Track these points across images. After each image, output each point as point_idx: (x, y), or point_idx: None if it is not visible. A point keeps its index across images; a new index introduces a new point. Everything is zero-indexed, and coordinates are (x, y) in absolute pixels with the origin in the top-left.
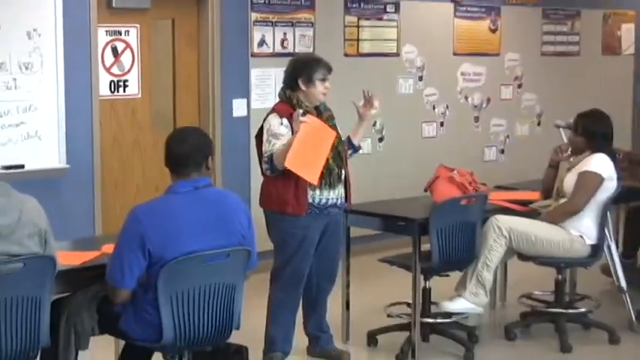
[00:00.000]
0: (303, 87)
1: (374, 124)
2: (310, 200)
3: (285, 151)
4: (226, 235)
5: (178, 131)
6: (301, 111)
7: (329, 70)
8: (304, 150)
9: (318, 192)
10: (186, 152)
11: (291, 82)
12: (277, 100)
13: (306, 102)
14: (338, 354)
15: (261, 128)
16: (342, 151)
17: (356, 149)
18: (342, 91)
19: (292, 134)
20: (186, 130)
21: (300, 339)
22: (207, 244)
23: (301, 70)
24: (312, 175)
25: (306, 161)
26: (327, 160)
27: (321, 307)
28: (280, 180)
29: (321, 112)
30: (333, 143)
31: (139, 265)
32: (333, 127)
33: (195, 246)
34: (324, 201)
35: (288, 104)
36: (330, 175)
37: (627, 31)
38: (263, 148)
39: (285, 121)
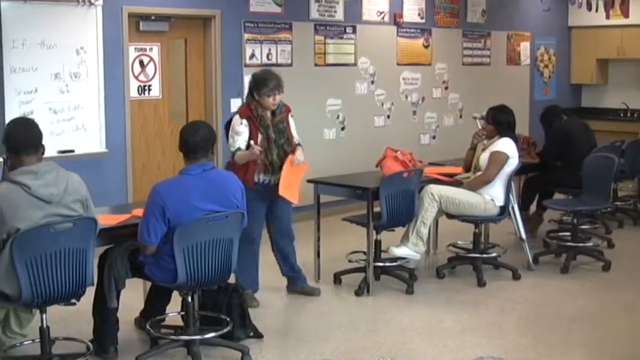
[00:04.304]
0: (257, 97)
1: (337, 117)
2: (256, 180)
3: (243, 156)
4: (224, 204)
5: (191, 125)
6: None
7: (277, 86)
8: (287, 180)
9: (262, 175)
10: (197, 142)
11: (250, 93)
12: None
13: (261, 108)
14: (310, 290)
15: (229, 122)
16: (287, 149)
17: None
18: (314, 92)
19: (250, 132)
20: (197, 124)
21: (282, 280)
22: (210, 211)
23: (254, 86)
24: (293, 197)
25: (289, 187)
26: (273, 154)
27: (289, 257)
28: (238, 166)
29: (275, 115)
30: (305, 170)
31: (161, 229)
32: (283, 129)
33: (202, 214)
34: (266, 181)
35: (249, 107)
36: (271, 165)
37: (524, 47)
38: (229, 142)
39: (244, 121)
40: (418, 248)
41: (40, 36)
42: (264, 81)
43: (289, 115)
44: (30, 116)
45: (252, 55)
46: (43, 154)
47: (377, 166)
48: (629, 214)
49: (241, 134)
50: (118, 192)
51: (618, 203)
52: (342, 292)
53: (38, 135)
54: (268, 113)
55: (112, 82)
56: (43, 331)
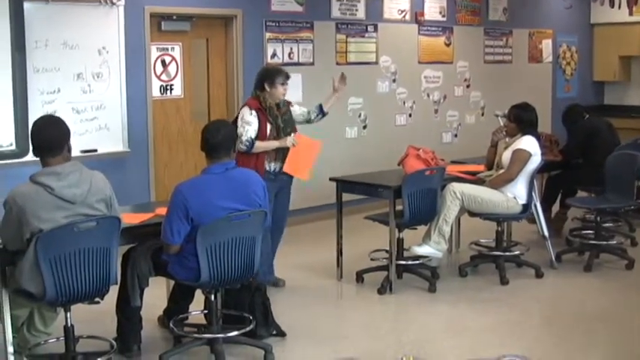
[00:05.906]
0: (267, 88)
1: (359, 116)
2: (267, 168)
3: (263, 148)
4: (247, 203)
5: (212, 124)
6: (293, 135)
7: (287, 77)
8: (294, 160)
9: (273, 163)
10: (219, 141)
11: (259, 84)
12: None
13: (270, 99)
14: (276, 280)
15: (237, 117)
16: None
17: (324, 114)
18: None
19: (259, 123)
20: (218, 123)
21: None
22: (232, 210)
23: (267, 75)
24: (302, 174)
25: (297, 166)
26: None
27: (273, 247)
28: (247, 155)
29: (280, 107)
30: (319, 148)
31: (184, 228)
32: (288, 119)
33: (224, 213)
34: (278, 169)
35: (257, 100)
36: (282, 153)
37: (546, 45)
38: (239, 132)
39: (253, 112)
40: (440, 246)
41: (62, 36)
42: (278, 71)
43: (290, 106)
44: None
45: (274, 54)
46: (69, 151)
47: (399, 164)
48: None
49: (251, 124)
50: (140, 191)
51: None
52: (365, 290)
53: (60, 135)
54: (274, 104)
55: (134, 82)
56: (68, 330)
